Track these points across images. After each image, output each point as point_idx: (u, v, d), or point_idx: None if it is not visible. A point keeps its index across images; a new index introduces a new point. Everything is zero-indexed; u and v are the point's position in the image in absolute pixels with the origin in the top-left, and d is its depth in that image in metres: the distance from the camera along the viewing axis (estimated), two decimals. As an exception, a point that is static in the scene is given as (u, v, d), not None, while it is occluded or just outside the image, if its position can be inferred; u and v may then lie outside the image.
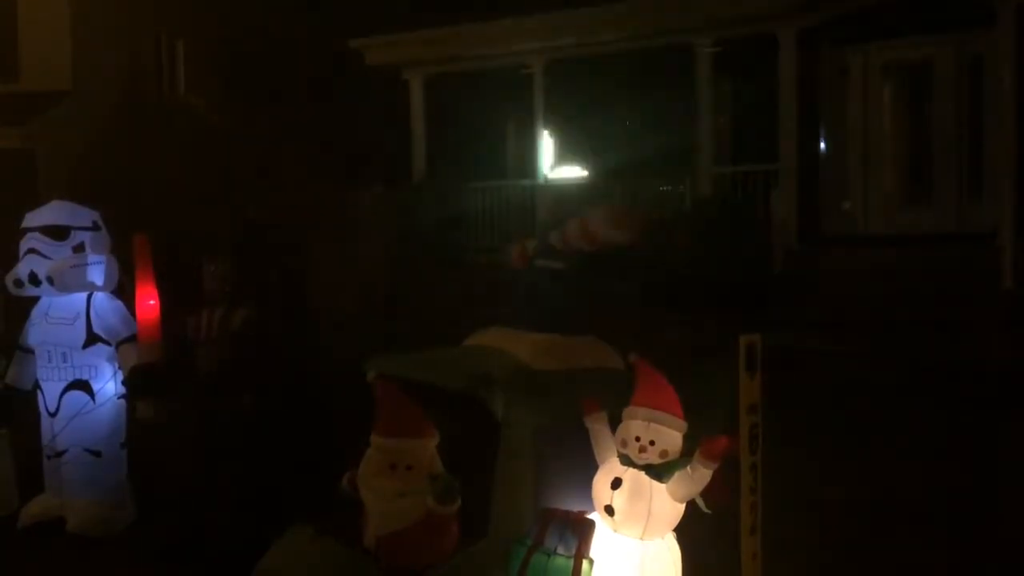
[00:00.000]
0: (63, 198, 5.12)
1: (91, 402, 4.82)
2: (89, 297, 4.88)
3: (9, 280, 4.80)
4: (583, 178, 12.63)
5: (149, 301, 4.43)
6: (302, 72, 13.61)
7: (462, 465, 3.02)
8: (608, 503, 2.85)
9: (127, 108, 13.22)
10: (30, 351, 4.98)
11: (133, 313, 4.63)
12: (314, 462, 4.02)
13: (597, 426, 2.97)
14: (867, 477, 5.29)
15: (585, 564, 2.79)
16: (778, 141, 11.04)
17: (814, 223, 11.26)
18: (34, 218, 4.86)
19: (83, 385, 4.82)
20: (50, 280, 4.68)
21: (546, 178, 12.76)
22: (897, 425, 6.34)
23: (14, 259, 4.86)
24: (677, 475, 2.78)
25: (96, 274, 4.86)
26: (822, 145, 11.70)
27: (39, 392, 4.94)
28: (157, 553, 4.23)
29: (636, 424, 2.88)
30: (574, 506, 2.96)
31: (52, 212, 4.89)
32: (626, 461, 2.88)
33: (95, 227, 4.93)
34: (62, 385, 4.83)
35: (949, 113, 10.82)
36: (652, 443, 2.84)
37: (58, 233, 4.78)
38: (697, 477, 2.74)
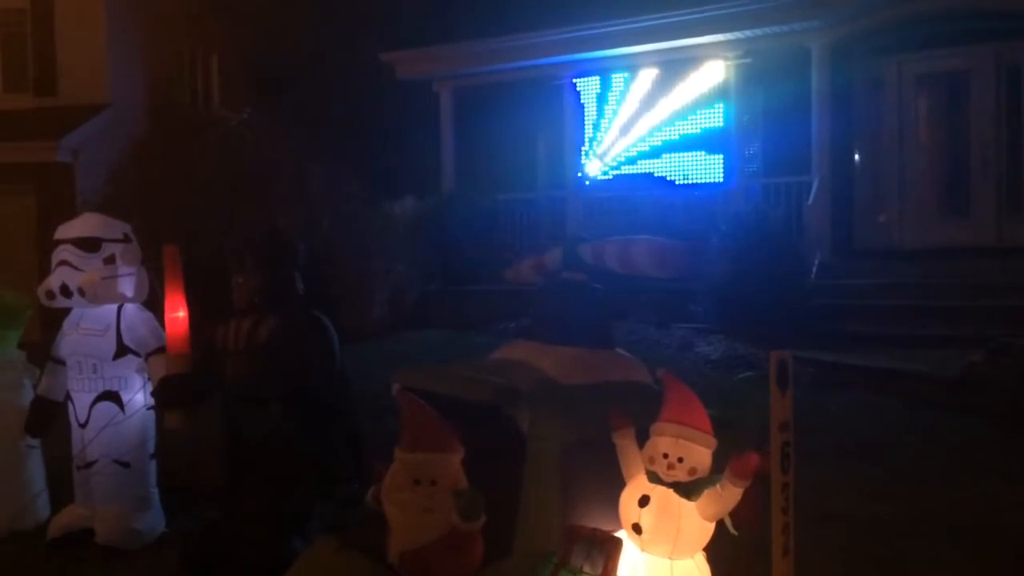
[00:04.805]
0: (95, 210, 5.14)
1: (121, 413, 4.83)
2: (120, 308, 4.91)
3: (41, 292, 4.84)
4: (614, 189, 12.57)
5: (178, 312, 4.43)
6: (333, 85, 13.73)
7: (487, 481, 2.97)
8: (636, 521, 2.79)
9: (163, 121, 13.42)
10: (62, 362, 5.02)
11: (163, 324, 4.64)
12: (340, 475, 4.00)
13: (624, 442, 2.91)
14: (904, 493, 5.18)
15: (612, 583, 2.73)
16: (811, 152, 10.93)
17: (848, 236, 11.13)
18: (66, 230, 4.90)
19: (113, 396, 4.84)
20: (81, 292, 4.71)
21: (576, 189, 12.73)
22: (935, 440, 6.22)
23: (48, 271, 4.91)
24: (706, 493, 2.72)
25: (127, 286, 4.88)
26: (856, 157, 11.56)
27: (69, 403, 4.98)
28: (184, 565, 4.22)
29: (664, 440, 2.82)
30: (601, 524, 2.90)
31: (83, 224, 4.93)
32: (654, 478, 2.82)
33: (126, 239, 4.96)
34: (92, 396, 4.84)
35: (986, 124, 10.64)
36: (681, 460, 2.78)
37: (89, 245, 4.81)
38: (727, 495, 2.68)
